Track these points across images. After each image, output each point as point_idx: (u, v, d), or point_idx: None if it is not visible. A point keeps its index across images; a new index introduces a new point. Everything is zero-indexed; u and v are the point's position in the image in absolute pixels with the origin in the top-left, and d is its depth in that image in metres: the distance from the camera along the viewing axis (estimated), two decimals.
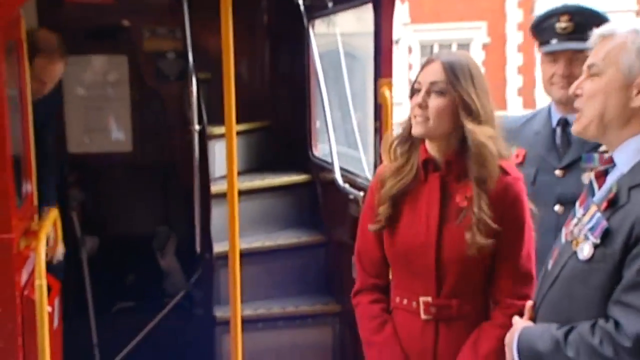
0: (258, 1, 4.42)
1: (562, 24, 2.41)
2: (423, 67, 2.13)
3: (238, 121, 2.68)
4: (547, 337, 1.68)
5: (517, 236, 2.11)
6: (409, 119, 2.14)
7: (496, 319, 2.10)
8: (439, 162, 2.12)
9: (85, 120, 4.36)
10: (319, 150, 4.34)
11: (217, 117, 3.59)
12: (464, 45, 22.26)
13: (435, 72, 2.07)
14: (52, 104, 3.49)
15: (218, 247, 3.70)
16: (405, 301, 2.18)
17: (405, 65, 21.50)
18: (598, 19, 2.33)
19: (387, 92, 3.05)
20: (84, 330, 3.83)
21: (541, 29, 2.54)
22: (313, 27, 4.08)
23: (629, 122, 1.68)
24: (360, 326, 2.29)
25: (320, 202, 4.17)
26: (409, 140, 2.15)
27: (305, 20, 4.04)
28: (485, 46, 22.91)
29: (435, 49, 20.39)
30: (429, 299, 2.12)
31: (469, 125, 2.04)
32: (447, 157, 2.10)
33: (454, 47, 20.80)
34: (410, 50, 21.76)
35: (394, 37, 3.31)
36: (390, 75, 3.11)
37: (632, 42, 1.66)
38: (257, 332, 3.60)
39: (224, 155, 3.25)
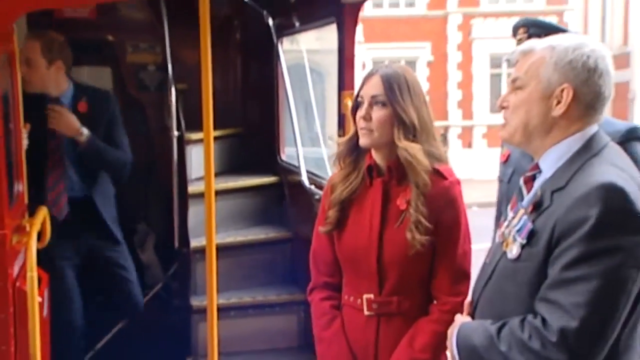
0: (232, 20, 4.37)
1: (519, 36, 2.43)
2: (364, 81, 2.09)
3: (213, 128, 2.65)
4: (481, 332, 1.65)
5: (453, 236, 2.07)
6: (356, 131, 2.09)
7: (432, 315, 2.07)
8: (382, 168, 2.09)
9: None
10: (286, 154, 4.32)
11: (193, 124, 3.56)
12: (411, 62, 22.51)
13: (375, 86, 2.04)
14: (98, 117, 3.30)
15: (194, 242, 3.66)
16: (351, 298, 2.14)
17: (360, 80, 21.67)
18: (550, 29, 2.32)
19: (349, 103, 3.02)
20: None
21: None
22: (282, 43, 4.06)
23: (551, 130, 1.65)
24: (313, 323, 2.25)
25: (287, 201, 4.14)
26: (357, 150, 2.12)
27: (274, 38, 4.02)
28: (429, 63, 23.15)
29: None
30: (372, 296, 2.08)
31: (400, 143, 2.01)
32: (389, 163, 2.07)
33: (402, 63, 20.94)
34: (364, 65, 21.84)
35: None
36: (352, 87, 3.10)
37: (549, 57, 1.63)
38: (229, 320, 3.56)
39: (200, 159, 3.20)
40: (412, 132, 2.02)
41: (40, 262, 2.73)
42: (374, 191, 2.10)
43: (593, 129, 1.65)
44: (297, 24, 3.81)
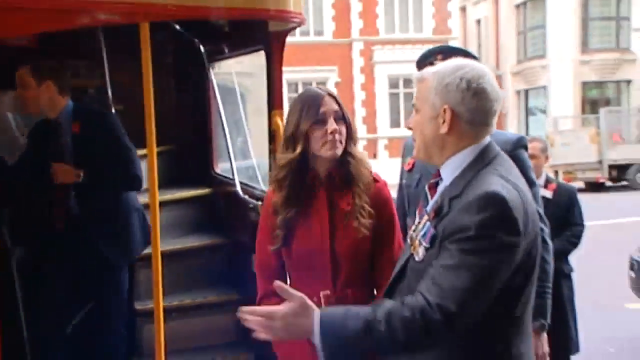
0: (165, 45, 4.27)
1: (437, 62, 2.33)
2: (319, 101, 2.04)
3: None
4: (353, 318, 1.51)
5: (390, 230, 2.11)
6: (301, 151, 2.02)
7: (378, 300, 2.02)
8: (321, 177, 2.07)
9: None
10: (219, 168, 4.28)
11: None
12: (321, 83, 22.84)
13: (332, 104, 2.05)
14: (90, 138, 3.07)
15: None
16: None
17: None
18: (466, 56, 2.29)
19: (279, 121, 3.05)
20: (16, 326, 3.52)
21: (423, 65, 2.49)
22: (212, 67, 4.04)
23: (443, 146, 1.65)
24: None
25: (220, 211, 4.10)
26: (298, 170, 2.05)
27: (205, 62, 3.98)
28: (337, 84, 23.58)
29: (300, 86, 20.69)
30: (328, 292, 2.04)
31: (353, 151, 2.07)
32: (330, 170, 2.07)
33: (314, 84, 21.16)
34: None
35: None
36: (281, 107, 3.09)
37: (432, 82, 1.63)
38: (171, 321, 3.42)
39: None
40: (355, 142, 2.09)
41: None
42: (318, 201, 2.07)
43: (485, 141, 1.66)
44: (226, 50, 3.81)
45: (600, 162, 16.22)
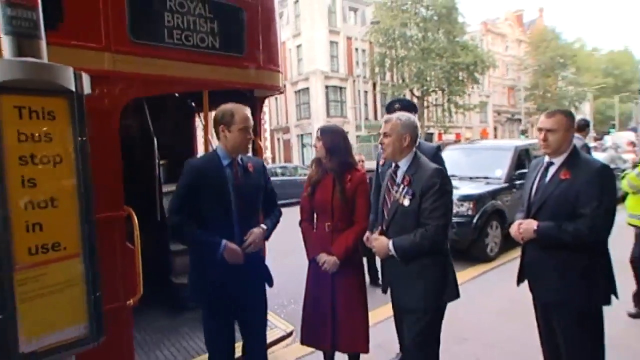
0: (167, 103, 3.84)
1: (396, 106, 2.41)
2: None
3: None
4: (406, 238, 1.73)
5: (361, 190, 2.12)
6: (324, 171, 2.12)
7: (354, 228, 2.14)
8: (329, 170, 2.13)
9: None
10: None
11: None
12: None
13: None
14: (257, 176, 2.13)
15: None
16: (320, 224, 2.17)
17: None
18: (409, 104, 2.44)
19: (259, 142, 2.99)
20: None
21: (390, 107, 2.49)
22: (199, 115, 3.86)
23: (403, 151, 1.84)
24: (303, 234, 2.21)
25: None
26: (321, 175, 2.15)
27: (195, 111, 3.81)
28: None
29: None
30: (329, 223, 2.13)
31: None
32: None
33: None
34: None
35: None
36: (259, 136, 2.95)
37: (399, 122, 1.82)
38: None
39: None
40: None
41: None
42: (326, 180, 2.17)
43: (415, 149, 1.88)
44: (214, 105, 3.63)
45: None
